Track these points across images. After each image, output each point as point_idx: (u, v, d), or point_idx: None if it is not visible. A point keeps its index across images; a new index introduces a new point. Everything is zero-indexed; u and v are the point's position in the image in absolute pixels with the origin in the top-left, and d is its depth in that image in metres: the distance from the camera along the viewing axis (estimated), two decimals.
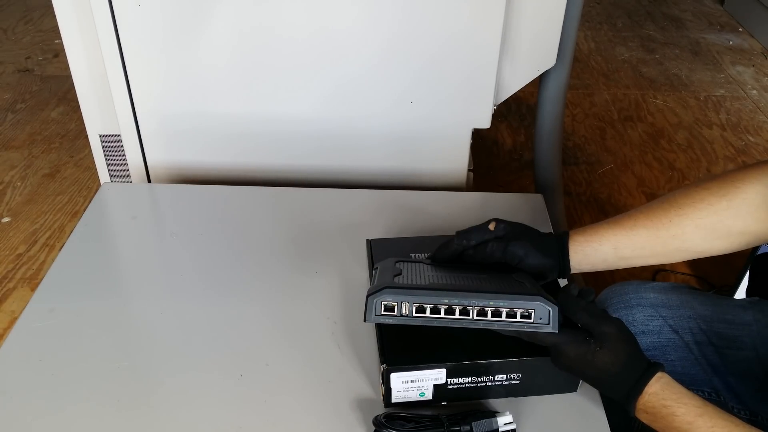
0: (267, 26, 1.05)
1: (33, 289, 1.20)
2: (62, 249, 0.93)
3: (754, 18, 2.96)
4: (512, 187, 1.95)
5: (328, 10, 1.03)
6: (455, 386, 0.70)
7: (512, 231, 0.76)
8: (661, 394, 0.62)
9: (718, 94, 2.47)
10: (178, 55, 1.07)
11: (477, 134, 1.17)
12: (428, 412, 0.69)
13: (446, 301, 0.66)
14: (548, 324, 0.65)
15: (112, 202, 1.05)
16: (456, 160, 1.18)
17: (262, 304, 0.85)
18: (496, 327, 0.67)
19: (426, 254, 0.85)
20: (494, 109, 1.14)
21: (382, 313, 0.67)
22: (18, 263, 1.65)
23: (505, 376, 0.71)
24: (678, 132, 2.24)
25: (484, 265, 0.76)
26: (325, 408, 0.72)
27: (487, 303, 0.65)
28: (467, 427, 0.67)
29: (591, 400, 0.73)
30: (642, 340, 0.87)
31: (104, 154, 1.25)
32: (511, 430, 0.67)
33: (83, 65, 1.15)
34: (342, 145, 1.17)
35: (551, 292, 0.68)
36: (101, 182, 1.19)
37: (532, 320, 0.65)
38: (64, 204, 1.86)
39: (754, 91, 2.49)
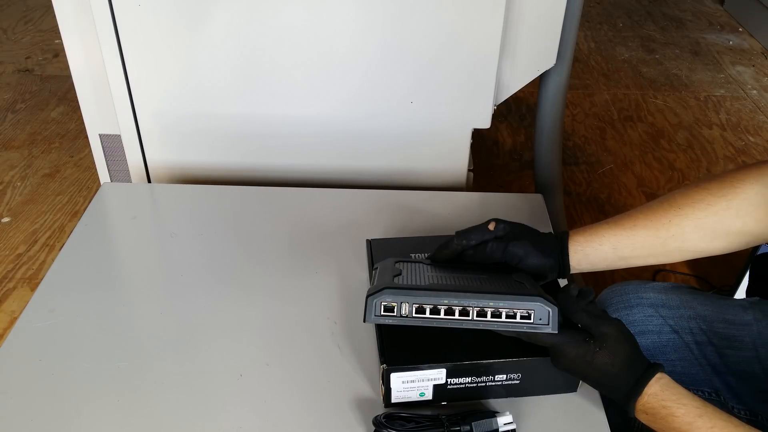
0: (267, 26, 1.05)
1: (33, 289, 1.20)
2: (62, 249, 0.93)
3: (754, 18, 2.96)
4: (512, 187, 1.95)
5: (328, 10, 1.03)
6: (455, 386, 0.71)
7: (512, 231, 0.76)
8: (661, 395, 0.62)
9: (718, 94, 2.47)
10: (178, 55, 1.07)
11: (477, 134, 1.17)
12: (428, 412, 0.69)
13: (446, 301, 0.66)
14: (548, 325, 0.65)
15: (112, 202, 1.05)
16: (456, 160, 1.18)
17: (262, 303, 0.85)
18: (495, 328, 0.67)
19: (426, 254, 0.85)
20: (494, 109, 1.14)
21: (382, 313, 0.67)
22: (18, 263, 1.65)
23: (505, 376, 0.71)
24: (678, 132, 2.24)
25: (483, 266, 0.76)
26: (325, 408, 0.72)
27: (486, 304, 0.66)
28: (467, 427, 0.67)
29: (591, 400, 0.73)
30: (642, 340, 0.87)
31: (104, 154, 1.25)
32: (511, 430, 0.67)
33: (83, 65, 1.15)
34: (342, 145, 1.17)
35: (551, 293, 0.68)
36: (101, 182, 1.19)
37: (531, 321, 0.65)
38: (64, 204, 1.86)
39: (754, 91, 2.49)
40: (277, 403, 0.73)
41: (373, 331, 0.77)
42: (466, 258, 0.76)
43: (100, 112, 1.20)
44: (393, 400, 0.71)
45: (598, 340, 0.64)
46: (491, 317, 0.66)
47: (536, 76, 1.18)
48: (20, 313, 0.83)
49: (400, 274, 0.71)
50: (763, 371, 0.84)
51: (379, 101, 1.12)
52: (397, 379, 0.69)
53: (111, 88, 1.10)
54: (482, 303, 0.66)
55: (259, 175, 1.19)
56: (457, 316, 0.66)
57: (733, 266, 1.52)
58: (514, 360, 0.70)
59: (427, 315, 0.66)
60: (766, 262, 1.34)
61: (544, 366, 0.69)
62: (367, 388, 0.74)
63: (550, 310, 0.65)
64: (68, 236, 0.96)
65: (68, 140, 2.13)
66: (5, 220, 1.79)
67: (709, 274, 1.65)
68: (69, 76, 1.18)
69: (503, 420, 0.68)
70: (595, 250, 0.75)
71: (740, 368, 0.85)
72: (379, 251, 0.88)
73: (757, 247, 1.35)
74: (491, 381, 0.71)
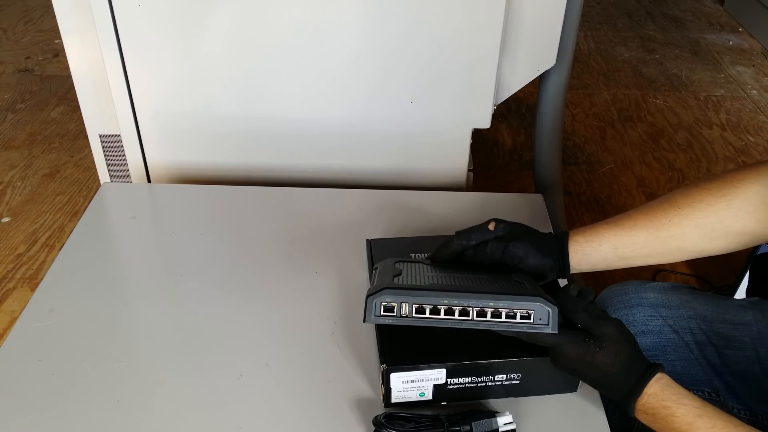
0: (267, 26, 1.05)
1: (33, 289, 1.20)
2: (62, 249, 0.93)
3: (754, 18, 2.96)
4: (512, 187, 1.95)
5: (328, 10, 1.03)
6: (455, 386, 0.71)
7: (512, 231, 0.76)
8: (661, 395, 0.62)
9: (718, 94, 2.47)
10: (177, 55, 1.07)
11: (477, 134, 1.17)
12: (428, 412, 0.69)
13: (446, 301, 0.66)
14: (548, 325, 0.65)
15: (112, 202, 1.05)
16: (456, 160, 1.18)
17: (262, 304, 0.85)
18: (495, 328, 0.67)
19: (426, 254, 0.85)
20: (494, 109, 1.14)
21: (382, 313, 0.67)
22: (18, 263, 1.65)
23: (505, 376, 0.71)
24: (678, 132, 2.24)
25: (483, 266, 0.76)
26: (325, 408, 0.72)
27: (486, 304, 0.66)
28: (467, 427, 0.67)
29: (591, 400, 0.73)
30: (642, 340, 0.87)
31: (104, 154, 1.25)
32: (511, 430, 0.67)
33: (83, 65, 1.15)
34: (342, 145, 1.17)
35: (551, 293, 0.68)
36: (101, 182, 1.19)
37: (531, 321, 0.65)
38: (64, 204, 1.86)
39: (754, 91, 2.49)
40: (277, 403, 0.73)
41: (373, 331, 0.77)
42: (466, 258, 0.76)
43: (100, 112, 1.20)
44: (393, 400, 0.71)
45: (598, 340, 0.64)
46: (491, 317, 0.66)
47: (536, 76, 1.18)
48: (20, 313, 0.83)
49: (400, 274, 0.71)
50: (763, 371, 0.84)
51: (379, 101, 1.12)
52: (397, 379, 0.69)
53: (111, 88, 1.10)
54: (482, 303, 0.66)
55: (259, 175, 1.19)
56: (457, 316, 0.66)
57: (733, 266, 1.52)
58: (514, 360, 0.70)
59: (427, 315, 0.66)
60: (766, 262, 1.34)
61: (544, 366, 0.69)
62: (367, 388, 0.74)
63: (550, 310, 0.65)
64: (68, 236, 0.96)
65: (68, 140, 2.13)
66: (5, 220, 1.79)
67: (709, 274, 1.65)
68: (69, 76, 1.18)
69: (503, 420, 0.68)
70: (595, 250, 0.75)
71: (740, 368, 0.85)
72: (379, 251, 0.88)
73: (757, 247, 1.35)
74: (491, 381, 0.71)
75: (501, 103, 1.17)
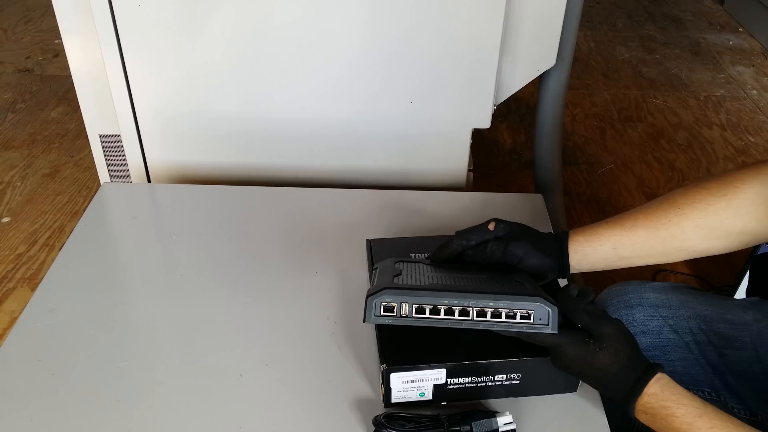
0: (267, 25, 1.05)
1: (33, 289, 1.20)
2: (62, 249, 0.93)
3: (754, 18, 2.96)
4: (512, 187, 1.95)
5: (328, 9, 1.03)
6: (455, 386, 0.71)
7: (512, 231, 0.76)
8: (661, 395, 0.62)
9: (718, 94, 2.47)
10: (177, 55, 1.07)
11: (477, 134, 1.17)
12: (428, 412, 0.69)
13: (446, 302, 0.66)
14: (548, 325, 0.65)
15: (112, 202, 1.05)
16: (456, 160, 1.18)
17: (262, 304, 0.85)
18: (495, 328, 0.67)
19: (426, 254, 0.85)
20: (494, 109, 1.14)
21: (382, 313, 0.67)
22: (18, 263, 1.65)
23: (505, 376, 0.71)
24: (678, 132, 2.24)
25: (483, 266, 0.76)
26: (325, 408, 0.72)
27: (486, 304, 0.66)
28: (467, 427, 0.67)
29: (591, 401, 0.73)
30: (642, 340, 0.87)
31: (104, 154, 1.25)
32: (511, 430, 0.67)
33: (83, 65, 1.15)
34: (342, 145, 1.17)
35: (551, 293, 0.68)
36: (101, 182, 1.19)
37: (531, 321, 0.65)
38: (64, 204, 1.86)
39: (754, 91, 2.49)
40: (277, 403, 0.73)
41: (373, 331, 0.77)
42: (466, 258, 0.76)
43: (100, 112, 1.20)
44: (393, 400, 0.71)
45: (598, 340, 0.64)
46: (491, 317, 0.66)
47: (536, 76, 1.18)
48: (20, 313, 0.83)
49: (400, 274, 0.71)
50: (763, 371, 0.84)
51: (379, 101, 1.12)
52: (397, 379, 0.69)
53: (111, 88, 1.10)
54: (482, 303, 0.66)
55: (259, 175, 1.19)
56: (456, 316, 0.66)
57: (733, 266, 1.52)
58: (514, 360, 0.70)
59: (427, 315, 0.66)
60: (766, 262, 1.34)
61: (544, 366, 0.69)
62: (367, 388, 0.74)
63: (549, 310, 0.65)
64: (68, 236, 0.96)
65: (68, 140, 2.13)
66: (5, 220, 1.79)
67: (709, 274, 1.65)
68: (69, 76, 1.18)
69: (503, 420, 0.68)
70: (595, 250, 0.75)
71: (740, 368, 0.85)
72: (379, 251, 0.88)
73: (757, 247, 1.35)
74: (491, 381, 0.71)
75: (501, 103, 1.17)
